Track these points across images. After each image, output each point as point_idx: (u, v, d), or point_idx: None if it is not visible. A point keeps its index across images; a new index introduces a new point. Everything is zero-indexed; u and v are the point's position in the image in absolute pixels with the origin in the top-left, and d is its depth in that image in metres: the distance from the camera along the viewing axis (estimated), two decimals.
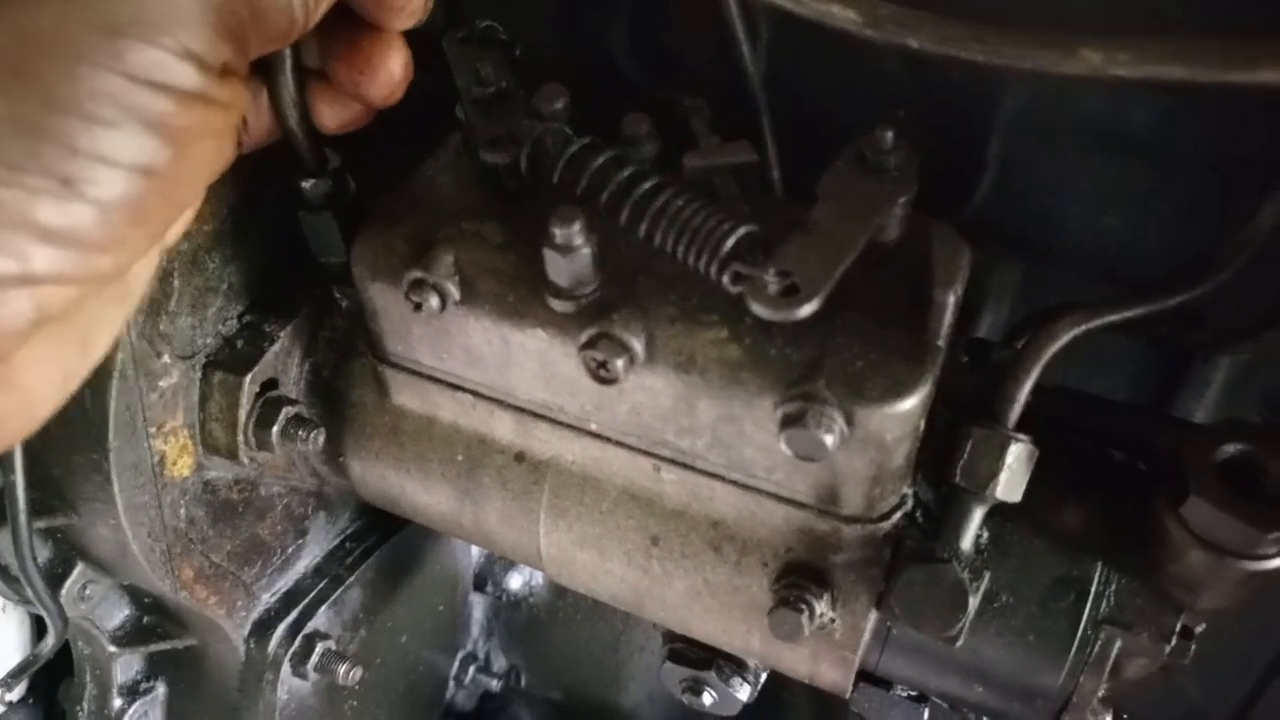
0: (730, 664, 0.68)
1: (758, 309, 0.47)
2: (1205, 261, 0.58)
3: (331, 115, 0.55)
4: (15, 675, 0.75)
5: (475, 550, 0.96)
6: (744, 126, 0.61)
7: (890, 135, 0.51)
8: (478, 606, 1.02)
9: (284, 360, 0.66)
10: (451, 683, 1.01)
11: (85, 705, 0.75)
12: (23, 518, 0.62)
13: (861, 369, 0.49)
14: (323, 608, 0.77)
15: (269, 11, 0.40)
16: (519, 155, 0.54)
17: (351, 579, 0.79)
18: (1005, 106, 0.62)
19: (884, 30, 0.44)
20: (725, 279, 0.48)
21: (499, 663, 1.05)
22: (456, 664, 1.01)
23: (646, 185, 0.50)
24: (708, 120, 0.58)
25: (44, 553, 0.67)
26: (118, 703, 0.75)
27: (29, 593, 0.65)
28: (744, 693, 0.68)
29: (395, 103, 0.54)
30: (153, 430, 0.62)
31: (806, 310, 0.46)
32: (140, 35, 0.35)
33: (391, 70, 0.52)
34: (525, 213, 0.56)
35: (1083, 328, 0.53)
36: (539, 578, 1.01)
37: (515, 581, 0.99)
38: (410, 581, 0.87)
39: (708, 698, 0.68)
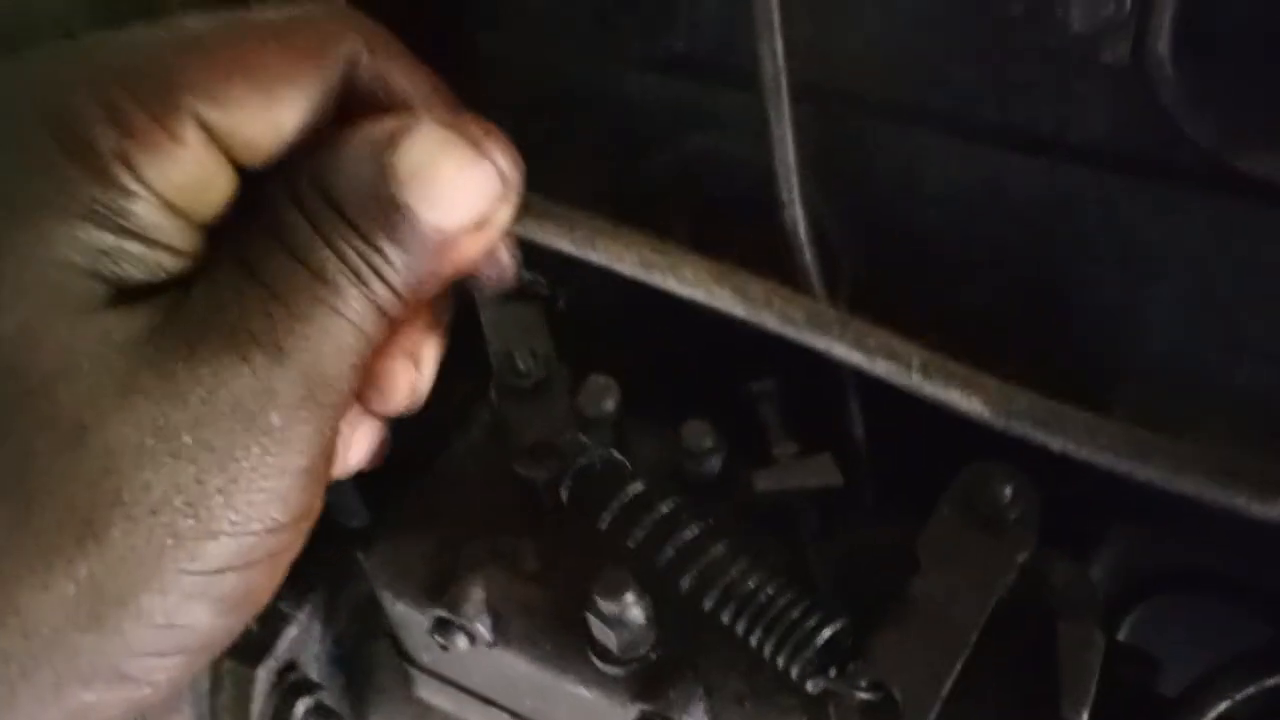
0: None
1: None
2: None
3: None
4: None
5: None
6: (818, 404, 0.52)
7: (1009, 490, 0.42)
8: None
9: (302, 639, 0.59)
10: None
11: None
12: None
13: None
14: None
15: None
16: (558, 475, 0.46)
17: None
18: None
19: (1020, 424, 0.35)
20: (809, 685, 0.40)
21: None
22: None
23: (713, 553, 0.42)
24: (778, 411, 0.49)
25: None
26: None
27: None
28: None
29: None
30: None
31: None
32: (233, 532, 0.30)
33: (398, 390, 0.38)
34: (562, 533, 0.48)
35: (1247, 693, 0.44)
36: None
37: None
38: None
39: None
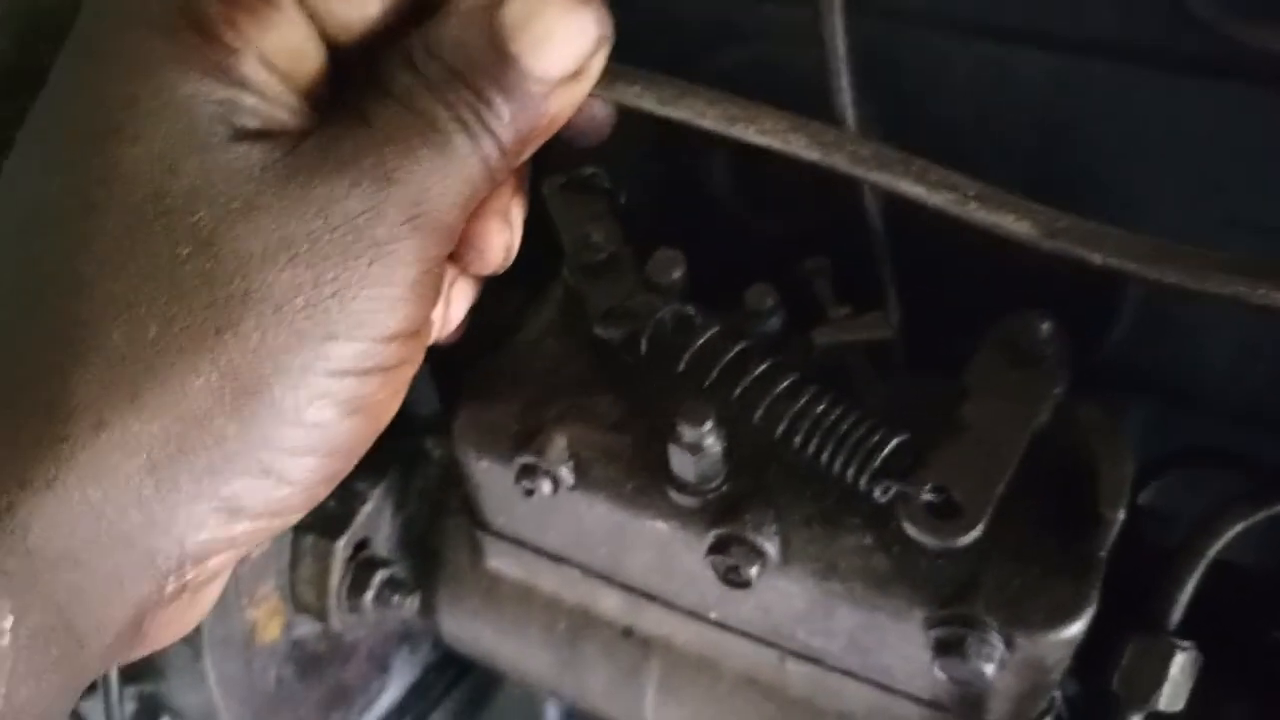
0: None
1: (914, 533, 0.43)
2: None
3: None
4: None
5: None
6: (863, 280, 0.57)
7: (1046, 326, 0.47)
8: (552, 709, 0.99)
9: (375, 519, 0.63)
10: None
11: None
12: (114, 684, 0.60)
13: (1021, 589, 0.45)
14: None
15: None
16: (636, 332, 0.51)
17: (435, 716, 0.76)
18: None
19: (1061, 243, 0.40)
20: (876, 492, 0.45)
21: None
22: None
23: (783, 384, 0.47)
24: (831, 282, 0.54)
25: (130, 706, 0.65)
26: None
27: None
28: None
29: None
30: (244, 601, 0.59)
31: (970, 537, 0.43)
32: (350, 334, 0.33)
33: (493, 248, 0.41)
34: (639, 387, 0.53)
35: (1250, 521, 0.49)
36: None
37: None
38: (490, 704, 0.85)
39: None
